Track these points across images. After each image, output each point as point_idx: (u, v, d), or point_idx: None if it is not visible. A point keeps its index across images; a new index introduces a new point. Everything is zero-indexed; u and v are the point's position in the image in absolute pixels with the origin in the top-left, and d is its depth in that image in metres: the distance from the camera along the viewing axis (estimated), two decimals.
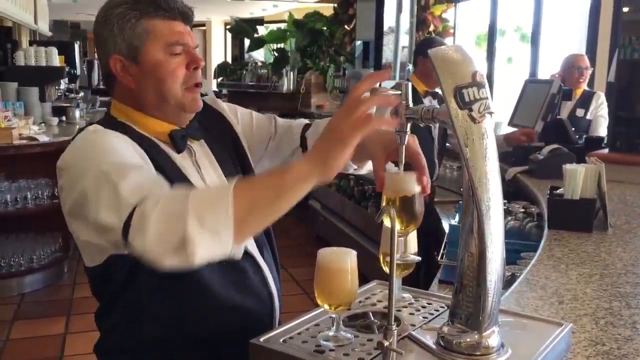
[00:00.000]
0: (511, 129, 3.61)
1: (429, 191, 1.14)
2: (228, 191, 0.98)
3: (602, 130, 3.96)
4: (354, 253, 1.10)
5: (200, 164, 1.37)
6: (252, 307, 1.35)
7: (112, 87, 1.34)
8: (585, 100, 4.12)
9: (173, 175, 1.27)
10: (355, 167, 1.46)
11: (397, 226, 1.01)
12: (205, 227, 0.95)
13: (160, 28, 1.26)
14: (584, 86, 4.17)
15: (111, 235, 1.06)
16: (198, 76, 1.31)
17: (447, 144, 3.46)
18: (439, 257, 2.37)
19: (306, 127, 1.53)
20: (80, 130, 1.27)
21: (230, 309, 1.31)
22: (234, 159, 1.46)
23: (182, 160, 1.33)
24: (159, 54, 1.26)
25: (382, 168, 1.20)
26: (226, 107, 1.53)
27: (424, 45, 3.60)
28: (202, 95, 1.38)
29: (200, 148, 1.39)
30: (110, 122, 1.30)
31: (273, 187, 1.01)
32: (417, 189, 1.09)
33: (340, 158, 1.00)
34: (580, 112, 4.07)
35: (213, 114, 1.48)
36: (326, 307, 1.08)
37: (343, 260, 1.07)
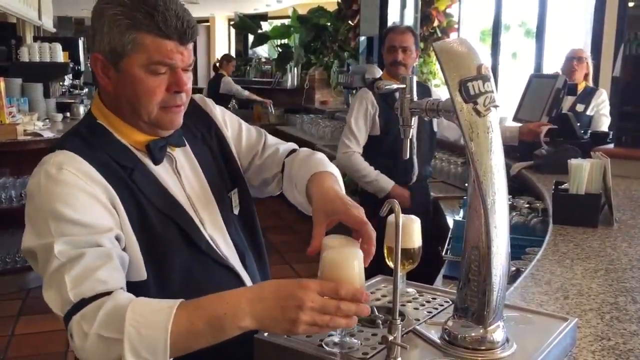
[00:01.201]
0: (515, 124, 3.60)
1: (367, 262, 1.09)
2: (166, 333, 0.98)
3: (604, 127, 3.93)
4: (357, 242, 1.09)
5: (181, 171, 1.33)
6: None
7: (96, 82, 1.29)
8: (587, 96, 4.10)
9: (149, 186, 1.25)
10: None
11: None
12: None
13: (148, 43, 1.17)
14: (580, 77, 4.14)
15: (55, 302, 1.08)
16: (179, 98, 1.24)
17: (446, 136, 3.43)
18: (444, 253, 2.37)
19: (292, 152, 1.49)
20: (51, 150, 1.22)
21: None
22: (219, 163, 1.42)
23: (161, 169, 1.29)
24: (139, 69, 1.18)
25: (321, 235, 1.16)
26: (215, 109, 1.48)
27: None
28: (192, 93, 1.33)
29: (182, 154, 1.35)
30: (87, 128, 1.27)
31: (211, 333, 1.01)
32: (355, 267, 1.03)
33: (274, 328, 1.01)
34: (580, 107, 4.05)
35: (201, 115, 1.44)
36: None
37: (350, 251, 1.06)
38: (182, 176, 1.33)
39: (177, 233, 1.26)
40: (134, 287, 1.15)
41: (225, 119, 1.49)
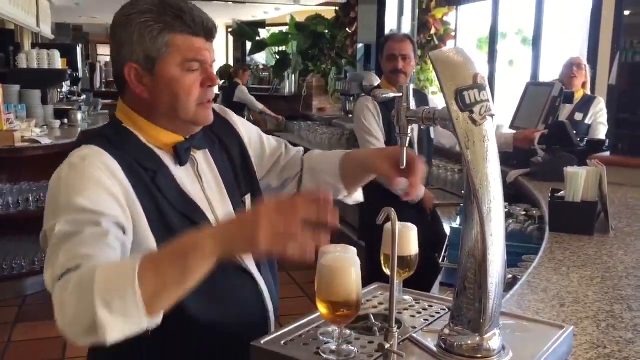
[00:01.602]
0: (511, 132, 3.61)
1: (413, 196, 1.22)
2: (134, 274, 0.98)
3: (601, 136, 3.95)
4: (354, 250, 1.09)
5: (202, 174, 1.36)
6: (243, 321, 1.33)
7: (123, 91, 1.32)
8: (585, 105, 4.12)
9: (171, 188, 1.26)
10: (346, 193, 1.50)
11: None
12: (115, 312, 0.96)
13: (181, 43, 1.23)
14: (579, 85, 4.15)
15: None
16: (212, 93, 1.31)
17: (442, 143, 3.46)
18: (440, 260, 2.37)
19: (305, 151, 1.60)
20: (77, 145, 1.26)
21: (219, 325, 1.29)
22: (237, 170, 1.44)
23: (182, 172, 1.32)
24: (175, 69, 1.24)
25: (394, 175, 1.29)
26: (234, 117, 1.53)
27: None
28: None
29: (203, 158, 1.38)
30: (113, 130, 1.30)
31: (178, 267, 1.00)
32: (352, 274, 1.04)
33: (245, 253, 1.03)
34: (579, 116, 4.07)
35: (221, 123, 1.48)
36: (323, 310, 1.06)
37: (347, 258, 1.06)
38: (202, 179, 1.36)
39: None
40: None
41: (244, 127, 1.54)
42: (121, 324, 0.97)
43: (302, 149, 1.62)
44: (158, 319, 1.01)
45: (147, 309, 0.97)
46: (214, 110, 1.43)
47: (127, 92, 1.30)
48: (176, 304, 1.07)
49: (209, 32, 1.26)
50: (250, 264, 1.36)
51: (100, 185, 1.17)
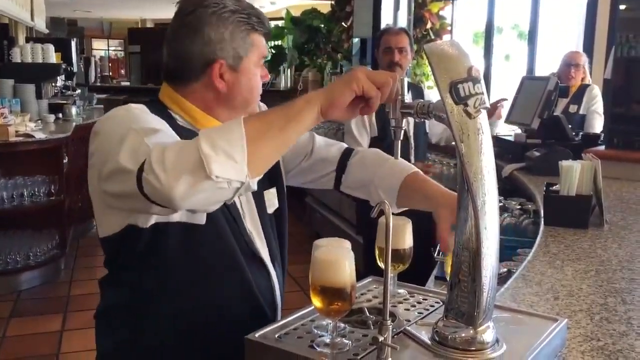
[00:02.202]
0: (509, 127, 3.61)
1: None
2: (239, 120, 1.02)
3: (597, 126, 3.95)
4: (348, 243, 1.09)
5: None
6: (255, 310, 1.34)
7: (186, 82, 1.32)
8: (579, 95, 4.12)
9: None
10: (396, 210, 1.47)
11: None
12: (219, 150, 0.97)
13: (259, 43, 1.34)
14: (578, 81, 4.16)
15: (129, 181, 1.03)
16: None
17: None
18: (435, 254, 2.37)
19: (346, 151, 1.56)
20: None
21: (241, 304, 1.32)
22: None
23: None
24: (254, 66, 1.33)
25: (448, 230, 1.27)
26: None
27: None
28: None
29: None
30: (154, 106, 1.30)
31: (282, 112, 1.05)
32: (346, 267, 1.05)
33: (341, 93, 1.05)
34: (573, 108, 4.07)
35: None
36: (317, 303, 1.06)
37: (340, 251, 1.06)
38: None
39: (223, 218, 1.28)
40: (191, 229, 1.23)
41: None
42: (224, 161, 0.97)
43: (342, 146, 1.58)
44: (254, 181, 1.01)
45: (249, 153, 0.98)
46: None
47: (192, 84, 1.31)
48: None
49: (269, 33, 1.38)
50: (266, 257, 1.39)
51: (164, 124, 1.18)
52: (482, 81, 1.01)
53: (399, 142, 1.11)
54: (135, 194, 1.03)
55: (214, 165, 0.96)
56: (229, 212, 1.30)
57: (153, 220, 1.19)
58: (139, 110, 1.21)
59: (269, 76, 1.39)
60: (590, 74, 4.45)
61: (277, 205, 1.46)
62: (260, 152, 1.01)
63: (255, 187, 1.03)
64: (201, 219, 1.24)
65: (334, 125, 6.00)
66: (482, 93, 1.00)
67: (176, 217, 1.20)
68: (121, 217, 1.21)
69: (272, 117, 1.06)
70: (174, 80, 1.33)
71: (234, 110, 1.34)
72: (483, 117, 1.00)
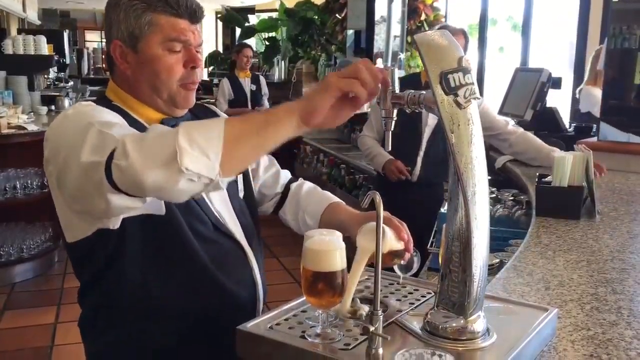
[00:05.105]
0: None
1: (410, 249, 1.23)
2: (222, 119, 1.03)
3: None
4: (339, 233, 1.09)
5: None
6: (236, 290, 1.35)
7: (112, 69, 1.36)
8: None
9: None
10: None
11: None
12: (195, 145, 0.97)
13: (163, 23, 1.27)
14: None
15: (96, 173, 1.03)
16: (195, 75, 1.34)
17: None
18: (429, 245, 2.38)
19: (291, 180, 1.60)
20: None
21: (214, 289, 1.32)
22: None
23: None
24: (157, 48, 1.28)
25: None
26: (223, 114, 1.54)
27: None
28: (203, 100, 1.38)
29: None
30: (104, 102, 1.32)
31: (263, 118, 1.05)
32: (337, 257, 1.06)
33: (320, 101, 1.03)
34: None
35: (210, 113, 1.50)
36: (308, 293, 1.06)
37: (331, 240, 1.06)
38: None
39: (185, 205, 1.27)
40: (152, 220, 1.23)
41: None
42: (198, 158, 0.97)
43: (288, 174, 1.61)
44: (224, 180, 1.02)
45: (224, 154, 0.98)
46: (205, 105, 1.47)
47: (115, 70, 1.34)
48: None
49: (193, 14, 1.29)
50: (240, 237, 1.39)
51: (116, 116, 1.19)
52: (472, 71, 1.01)
53: (390, 133, 1.11)
54: (97, 192, 1.04)
55: (186, 158, 0.97)
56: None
57: (120, 219, 1.20)
58: (90, 107, 1.23)
59: (200, 61, 1.33)
60: (584, 65, 4.46)
61: (243, 191, 1.48)
62: (235, 153, 1.01)
63: (224, 187, 1.04)
64: (161, 209, 1.24)
65: None
66: (472, 83, 1.00)
67: (139, 210, 1.17)
68: (91, 220, 1.22)
69: (253, 120, 1.05)
70: (109, 70, 1.37)
71: (149, 96, 1.31)
72: (473, 107, 1.00)
